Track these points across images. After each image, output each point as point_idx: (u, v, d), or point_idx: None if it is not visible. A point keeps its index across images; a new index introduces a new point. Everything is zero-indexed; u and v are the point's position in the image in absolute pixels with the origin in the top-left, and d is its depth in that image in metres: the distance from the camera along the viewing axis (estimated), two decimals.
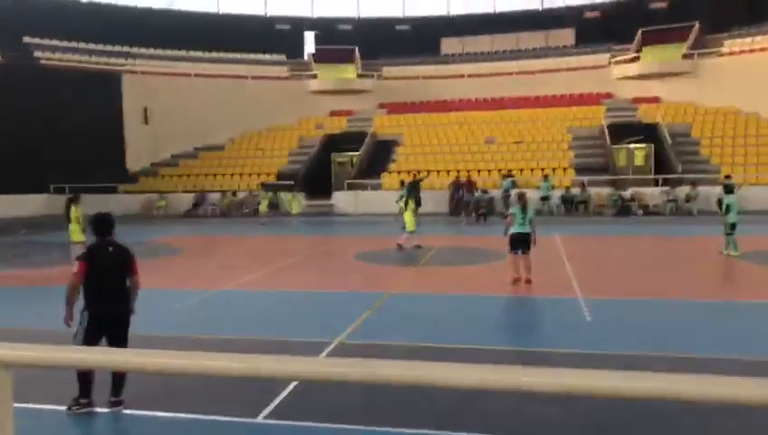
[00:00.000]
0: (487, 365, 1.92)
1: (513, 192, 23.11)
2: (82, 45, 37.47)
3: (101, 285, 5.82)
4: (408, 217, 16.45)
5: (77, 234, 13.90)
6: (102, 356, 2.42)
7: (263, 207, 26.73)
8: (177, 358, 2.11)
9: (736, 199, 14.82)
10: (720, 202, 14.73)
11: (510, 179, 27.70)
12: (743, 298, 10.79)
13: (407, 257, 15.50)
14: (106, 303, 5.83)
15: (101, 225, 6.15)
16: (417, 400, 5.74)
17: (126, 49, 38.66)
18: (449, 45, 43.73)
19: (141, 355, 2.31)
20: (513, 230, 11.50)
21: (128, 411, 5.80)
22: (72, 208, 14.17)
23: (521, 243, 11.48)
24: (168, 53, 39.70)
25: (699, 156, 29.50)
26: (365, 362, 2.01)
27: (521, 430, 5.25)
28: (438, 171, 30.64)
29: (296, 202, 24.68)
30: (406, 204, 16.99)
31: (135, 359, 2.34)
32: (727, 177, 23.32)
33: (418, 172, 28.43)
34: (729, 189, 14.94)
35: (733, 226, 14.38)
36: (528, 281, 11.47)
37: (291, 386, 6.04)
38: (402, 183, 23.35)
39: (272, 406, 5.72)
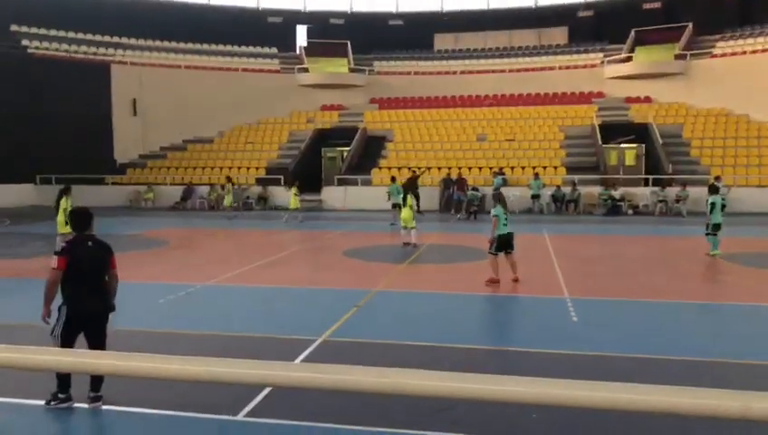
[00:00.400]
0: (461, 374, 1.85)
1: (490, 192, 22.85)
2: (71, 35, 37.02)
3: (80, 280, 5.70)
4: (408, 214, 16.18)
5: (64, 226, 13.58)
6: (72, 359, 2.34)
7: (227, 201, 26.21)
8: (149, 361, 2.04)
9: (721, 200, 14.87)
10: (710, 203, 14.78)
11: (501, 177, 27.67)
12: (727, 300, 10.80)
13: (396, 254, 15.42)
14: (85, 298, 5.71)
15: (80, 219, 6.05)
16: (395, 400, 5.66)
17: (115, 39, 38.26)
18: (442, 41, 43.62)
19: (112, 358, 2.24)
20: (498, 232, 11.33)
21: (107, 407, 5.69)
22: (63, 200, 14.23)
23: (507, 244, 11.41)
24: (158, 44, 39.36)
25: (690, 157, 29.61)
26: (336, 368, 1.94)
27: (503, 432, 5.19)
28: (429, 168, 30.56)
29: (296, 198, 24.04)
30: (404, 200, 16.74)
31: (106, 362, 2.27)
32: (717, 178, 23.39)
33: (418, 168, 28.40)
34: (713, 189, 14.99)
35: (716, 226, 14.44)
36: (516, 280, 11.41)
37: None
38: (393, 179, 23.27)
39: (252, 404, 5.62)
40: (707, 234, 14.65)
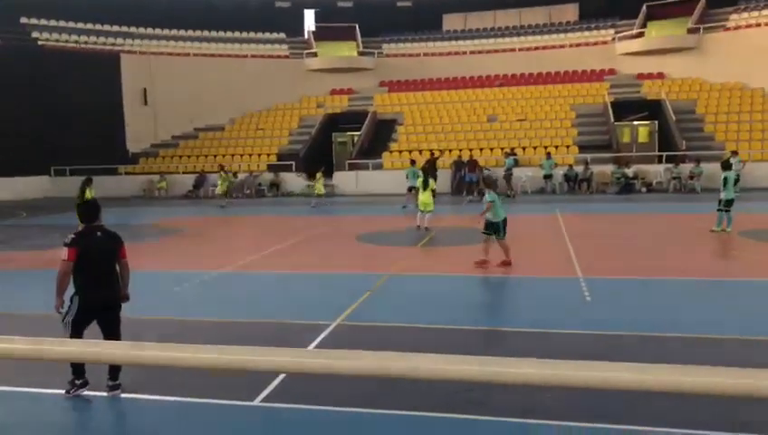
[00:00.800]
0: (476, 357, 1.86)
1: (736, 161, 21.91)
2: (80, 25, 37.11)
3: (91, 270, 5.78)
4: (427, 197, 15.97)
5: None
6: (85, 348, 2.38)
7: (219, 189, 25.48)
8: (163, 350, 2.07)
9: (734, 175, 14.70)
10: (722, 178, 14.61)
11: (512, 158, 27.52)
12: (742, 277, 10.71)
13: (409, 238, 15.43)
14: (96, 288, 5.79)
15: (88, 211, 6.14)
16: (410, 383, 5.70)
17: (124, 29, 38.28)
18: (451, 22, 43.21)
19: (126, 348, 2.28)
20: (497, 217, 11.23)
21: (125, 395, 5.78)
22: (87, 191, 14.99)
23: (497, 227, 11.28)
24: (167, 32, 39.32)
25: (704, 132, 29.24)
26: (350, 354, 1.95)
27: (519, 412, 5.21)
28: (441, 151, 30.45)
29: (320, 183, 24.14)
30: (426, 183, 16.42)
31: (119, 351, 2.30)
32: (734, 153, 23.11)
33: (439, 150, 28.32)
34: (726, 165, 14.80)
35: (729, 202, 14.30)
36: (506, 263, 11.31)
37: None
38: (413, 162, 23.25)
39: (268, 390, 5.68)
40: (719, 209, 14.52)
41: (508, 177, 26.16)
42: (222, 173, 25.78)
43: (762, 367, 1.68)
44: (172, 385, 5.88)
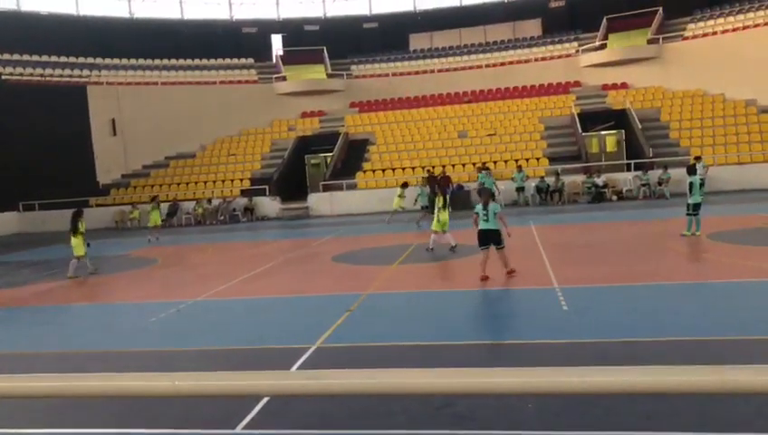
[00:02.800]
0: (456, 369, 1.89)
1: (700, 166, 22.20)
2: (45, 59, 36.74)
3: None
4: (446, 217, 15.13)
5: (80, 248, 14.95)
6: (60, 383, 2.34)
7: (151, 221, 23.34)
8: (140, 380, 2.06)
9: (699, 179, 15.11)
10: (689, 183, 14.98)
11: (485, 172, 27.77)
12: (713, 279, 10.94)
13: (385, 256, 15.44)
14: None
15: None
16: (393, 401, 5.70)
17: (90, 60, 38.00)
18: (418, 41, 43.77)
19: (103, 379, 2.25)
20: (479, 227, 11.41)
21: (102, 430, 5.67)
22: (80, 222, 15.25)
23: (486, 239, 11.33)
24: (134, 62, 39.14)
25: (669, 139, 29.91)
26: (328, 373, 1.97)
27: (500, 424, 5.24)
28: (414, 168, 30.67)
29: (400, 199, 23.57)
30: (444, 203, 15.15)
31: (96, 383, 2.28)
32: (697, 158, 23.69)
33: (433, 168, 28.49)
34: (691, 170, 15.22)
35: (696, 205, 14.65)
36: (511, 272, 11.46)
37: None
38: (404, 185, 23.41)
39: (249, 417, 5.63)
40: (688, 214, 14.87)
41: (481, 191, 26.34)
42: (154, 204, 24.04)
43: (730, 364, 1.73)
44: (150, 417, 5.79)
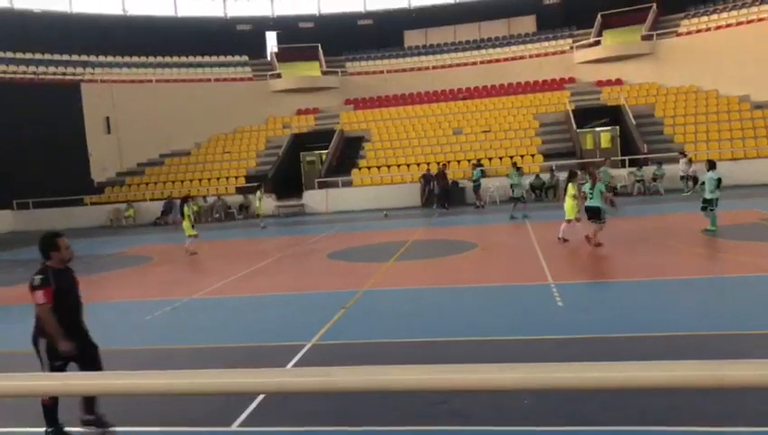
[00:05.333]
0: (450, 366, 1.89)
1: (683, 162, 24.17)
2: (38, 56, 36.59)
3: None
4: (570, 205, 14.55)
5: (189, 229, 17.17)
6: (54, 382, 2.34)
7: (259, 208, 24.54)
8: (136, 379, 2.06)
9: (712, 176, 14.68)
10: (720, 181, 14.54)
11: (480, 169, 27.81)
12: (704, 274, 10.99)
13: (381, 253, 15.45)
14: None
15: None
16: (389, 397, 5.70)
17: (83, 58, 37.88)
18: (412, 38, 43.74)
19: (100, 378, 2.25)
20: (588, 204, 13.37)
21: (100, 429, 5.66)
22: (186, 207, 17.22)
23: (592, 214, 13.39)
24: (128, 59, 39.00)
25: (663, 135, 29.99)
26: (322, 371, 1.97)
27: (496, 421, 5.25)
28: (409, 165, 30.69)
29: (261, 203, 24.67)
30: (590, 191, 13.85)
31: (94, 382, 2.28)
32: (682, 153, 23.94)
33: (448, 162, 28.60)
34: (711, 165, 14.78)
35: (709, 201, 14.40)
36: (598, 244, 13.26)
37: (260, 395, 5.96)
38: (516, 166, 23.08)
39: (245, 414, 5.63)
40: (711, 209, 14.52)
41: (477, 188, 26.39)
42: (260, 192, 24.84)
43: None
44: (145, 415, 5.79)
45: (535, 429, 5.04)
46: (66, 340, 5.35)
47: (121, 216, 30.64)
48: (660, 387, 1.77)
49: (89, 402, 5.62)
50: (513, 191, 27.24)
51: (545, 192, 27.48)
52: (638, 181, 26.74)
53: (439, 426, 5.20)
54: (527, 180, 27.75)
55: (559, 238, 14.66)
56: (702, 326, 7.55)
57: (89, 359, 5.54)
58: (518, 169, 27.60)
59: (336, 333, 8.30)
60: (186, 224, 17.32)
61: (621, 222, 18.51)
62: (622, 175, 27.97)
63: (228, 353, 7.85)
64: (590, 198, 13.36)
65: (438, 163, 28.54)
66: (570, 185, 14.78)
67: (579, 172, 16.54)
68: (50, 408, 5.42)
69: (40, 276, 5.39)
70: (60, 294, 5.42)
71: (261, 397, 5.84)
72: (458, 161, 30.49)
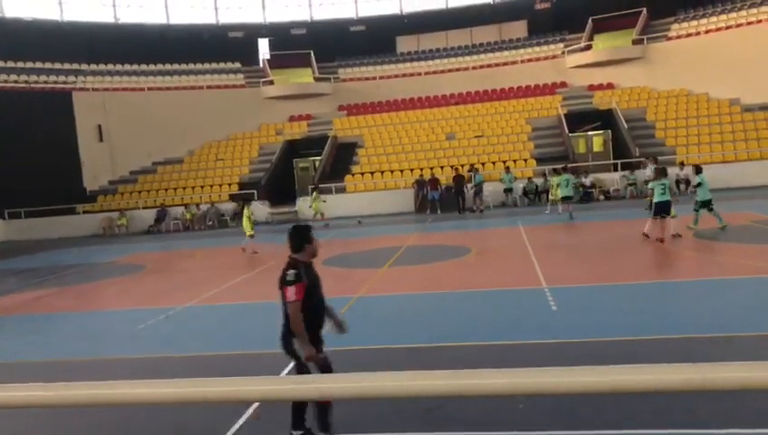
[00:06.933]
0: (445, 371, 1.89)
1: (650, 168, 22.43)
2: (29, 65, 36.47)
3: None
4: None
5: (248, 229, 18.02)
6: (47, 393, 2.31)
7: (317, 208, 25.57)
8: (125, 388, 2.04)
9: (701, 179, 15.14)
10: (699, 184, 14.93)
11: (568, 175, 27.43)
12: (697, 277, 11.03)
13: (375, 259, 15.44)
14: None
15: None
16: (383, 404, 5.70)
17: (75, 66, 37.77)
18: (404, 44, 43.86)
19: (89, 388, 2.23)
20: (657, 199, 13.68)
21: None
22: (246, 209, 18.35)
23: (666, 209, 13.71)
24: (120, 67, 38.93)
25: (655, 138, 30.14)
26: (317, 378, 1.97)
27: (491, 425, 5.25)
28: (402, 170, 30.73)
29: (317, 203, 25.52)
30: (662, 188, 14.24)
31: (83, 392, 2.26)
32: (651, 157, 23.97)
33: (461, 166, 28.79)
34: (698, 169, 15.20)
35: (703, 202, 14.82)
36: (662, 240, 13.60)
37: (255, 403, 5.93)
38: (565, 168, 22.96)
39: (238, 423, 5.61)
40: (709, 209, 14.92)
41: (478, 192, 26.47)
42: (316, 193, 26.31)
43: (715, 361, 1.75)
44: (138, 425, 5.75)
45: (531, 433, 5.04)
46: (311, 346, 4.97)
47: (114, 224, 30.51)
48: (654, 390, 1.78)
49: (323, 417, 5.12)
50: (506, 195, 27.48)
51: (538, 196, 27.55)
52: (631, 185, 26.85)
53: (435, 431, 5.20)
54: (520, 184, 27.84)
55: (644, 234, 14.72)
56: (696, 329, 7.57)
57: (325, 364, 5.17)
58: (508, 170, 27.72)
59: (331, 340, 8.26)
60: (246, 224, 18.06)
61: (615, 225, 18.58)
62: (614, 178, 28.08)
63: (222, 362, 7.82)
64: (662, 194, 13.70)
65: (452, 167, 28.86)
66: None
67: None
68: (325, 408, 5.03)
69: (293, 271, 5.04)
70: (309, 291, 5.08)
71: (255, 405, 5.82)
72: (452, 166, 30.50)
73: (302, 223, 5.50)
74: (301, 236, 5.27)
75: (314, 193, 26.20)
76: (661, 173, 14.04)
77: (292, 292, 4.94)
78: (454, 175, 27.43)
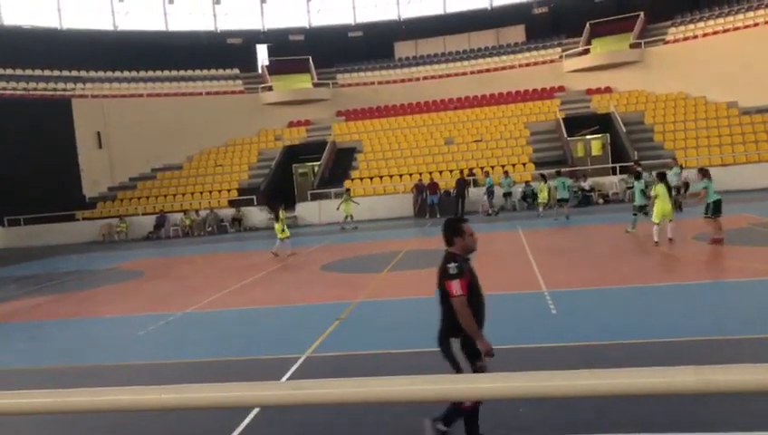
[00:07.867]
0: (445, 376, 1.90)
1: (685, 173, 23.03)
2: (29, 72, 36.54)
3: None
4: (666, 207, 14.45)
5: (280, 232, 18.23)
6: (48, 399, 2.31)
7: (347, 209, 26.05)
8: (126, 394, 2.05)
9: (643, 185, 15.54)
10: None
11: (490, 177, 27.62)
12: (696, 280, 11.03)
13: (375, 264, 15.44)
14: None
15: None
16: (384, 409, 5.69)
17: (74, 73, 37.83)
18: (402, 49, 43.96)
19: (89, 394, 2.23)
20: (712, 199, 13.65)
21: None
22: (281, 212, 18.57)
23: (719, 208, 13.74)
24: (119, 74, 39.02)
25: (653, 142, 30.19)
26: (317, 383, 1.97)
27: (492, 429, 5.25)
28: (401, 175, 30.75)
29: (347, 205, 25.89)
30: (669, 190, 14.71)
31: (84, 398, 2.26)
32: (637, 163, 24.02)
33: (464, 170, 29.01)
34: (705, 173, 14.87)
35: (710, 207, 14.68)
36: (720, 240, 13.59)
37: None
38: (558, 173, 22.98)
39: (239, 429, 5.60)
40: (711, 215, 14.61)
41: (490, 194, 26.56)
42: (345, 196, 26.77)
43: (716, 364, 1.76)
44: (139, 431, 5.75)
45: None
46: (486, 341, 4.74)
47: (113, 231, 30.50)
48: (655, 393, 1.78)
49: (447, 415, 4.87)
50: (505, 199, 27.49)
51: (535, 200, 27.54)
52: (629, 188, 26.82)
53: None
54: (518, 188, 27.86)
55: (669, 239, 14.54)
56: (696, 332, 7.58)
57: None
58: (507, 175, 27.78)
59: (330, 346, 8.28)
60: (278, 227, 18.35)
61: (614, 229, 18.59)
62: (613, 182, 28.11)
63: (222, 367, 7.81)
64: (714, 192, 13.86)
65: (459, 171, 29.14)
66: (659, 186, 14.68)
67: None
68: (470, 414, 4.83)
69: (455, 264, 4.78)
70: (471, 287, 4.82)
71: (255, 411, 5.82)
72: (450, 171, 30.55)
73: (458, 217, 5.10)
74: (450, 229, 4.94)
75: (345, 195, 26.56)
76: (706, 174, 14.17)
77: (456, 287, 4.69)
78: (458, 178, 27.48)
